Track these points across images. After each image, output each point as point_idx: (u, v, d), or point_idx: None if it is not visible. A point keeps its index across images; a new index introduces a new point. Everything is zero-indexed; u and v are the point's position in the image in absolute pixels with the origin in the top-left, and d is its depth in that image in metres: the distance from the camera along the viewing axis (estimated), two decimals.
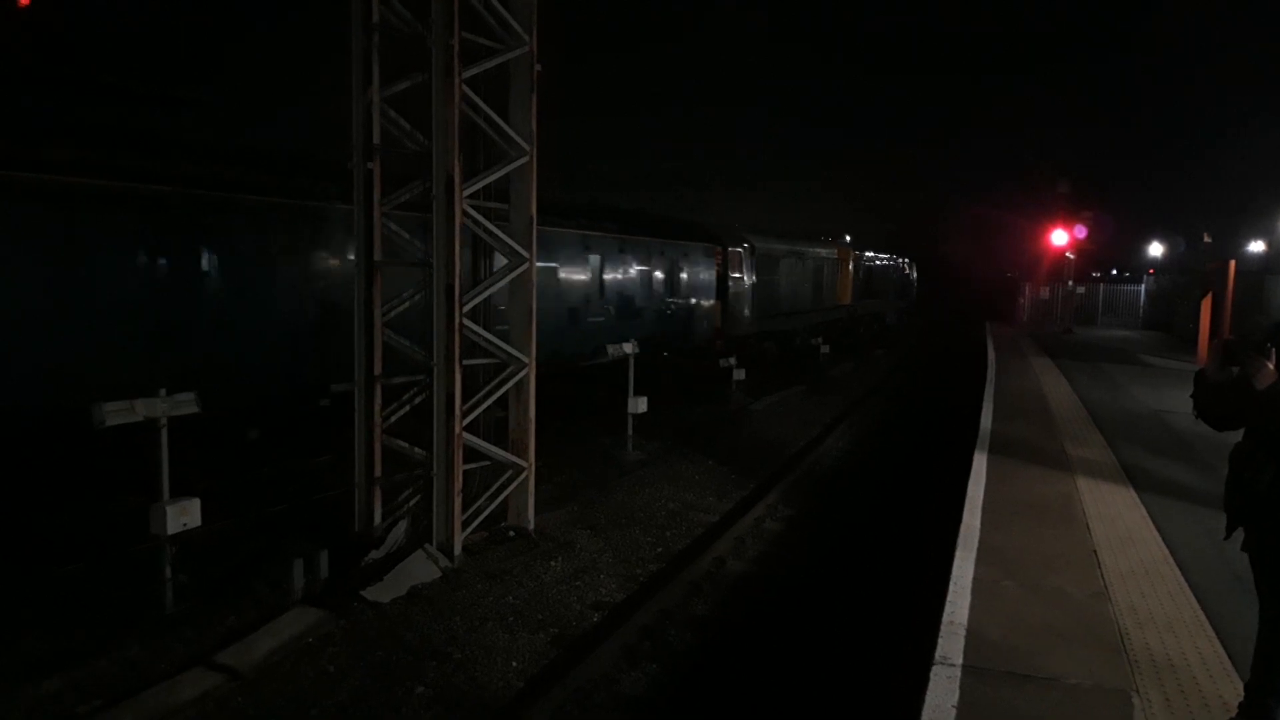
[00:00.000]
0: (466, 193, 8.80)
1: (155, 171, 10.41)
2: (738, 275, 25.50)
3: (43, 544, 8.53)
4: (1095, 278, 43.16)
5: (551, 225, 16.33)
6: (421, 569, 8.38)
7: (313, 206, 11.99)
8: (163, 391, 7.44)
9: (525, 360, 9.59)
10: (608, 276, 19.22)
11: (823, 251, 35.11)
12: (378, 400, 9.20)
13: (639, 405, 14.36)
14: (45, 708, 6.05)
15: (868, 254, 42.44)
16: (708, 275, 24.16)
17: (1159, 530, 7.72)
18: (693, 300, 23.33)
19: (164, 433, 7.42)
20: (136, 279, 10.13)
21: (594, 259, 18.61)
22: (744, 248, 26.04)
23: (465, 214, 8.79)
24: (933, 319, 51.45)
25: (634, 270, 20.50)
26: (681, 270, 22.70)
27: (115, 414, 7.08)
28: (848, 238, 43.40)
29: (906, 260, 53.41)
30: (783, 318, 28.83)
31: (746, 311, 26.01)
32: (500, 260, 9.78)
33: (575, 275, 18.04)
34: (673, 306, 22.28)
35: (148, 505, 7.35)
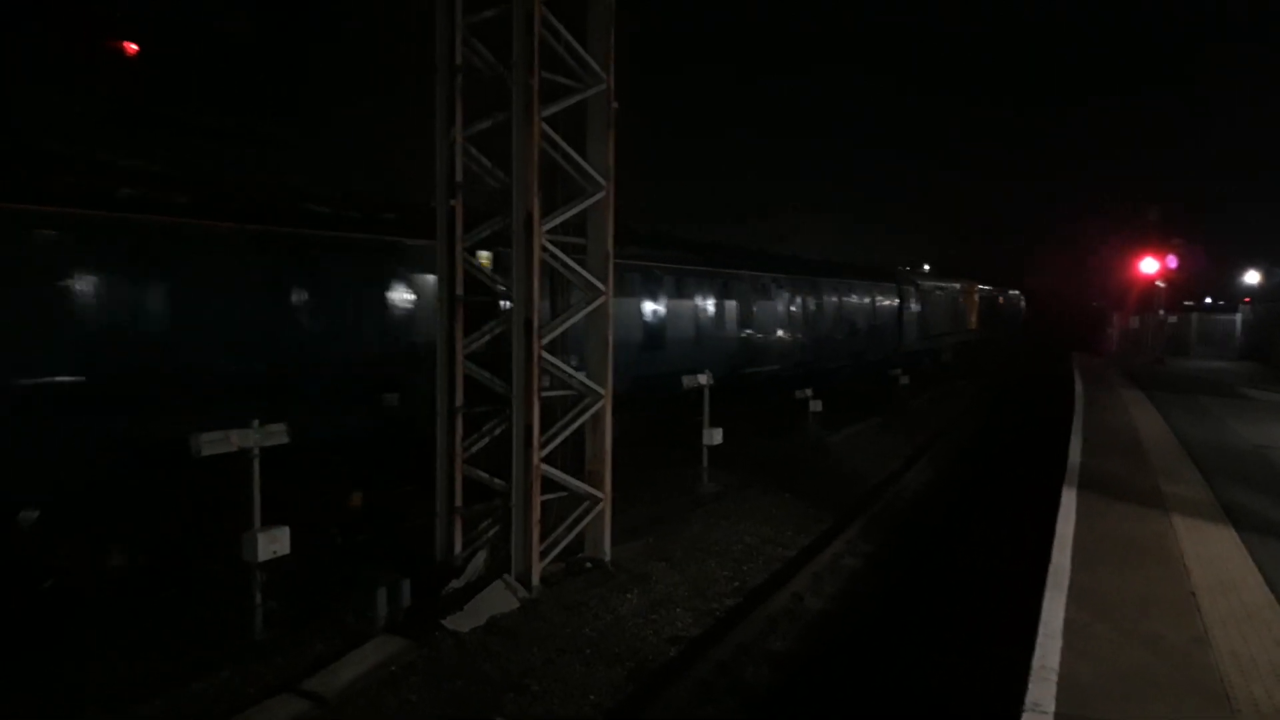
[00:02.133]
0: (545, 228, 8.96)
1: None
2: (908, 306, 34.14)
3: None
4: (1188, 307, 41.59)
5: (806, 275, 25.91)
6: (500, 599, 8.46)
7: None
8: (255, 422, 7.71)
9: (601, 392, 9.66)
10: (843, 307, 28.30)
11: (957, 285, 43.21)
12: (459, 431, 9.37)
13: (714, 437, 14.32)
14: None
15: (986, 287, 49.86)
16: (891, 306, 32.80)
17: (1262, 573, 7.37)
18: (883, 324, 32.02)
19: (255, 463, 7.68)
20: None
21: (833, 298, 27.60)
22: (914, 286, 34.98)
23: (544, 249, 8.94)
24: (1021, 347, 51.53)
25: (858, 304, 29.50)
26: (878, 303, 31.47)
27: (211, 444, 7.37)
28: (924, 268, 44.51)
29: (1017, 292, 60.65)
30: (932, 338, 37.56)
31: (915, 333, 35.01)
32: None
33: (824, 309, 26.91)
34: (875, 329, 31.04)
35: None
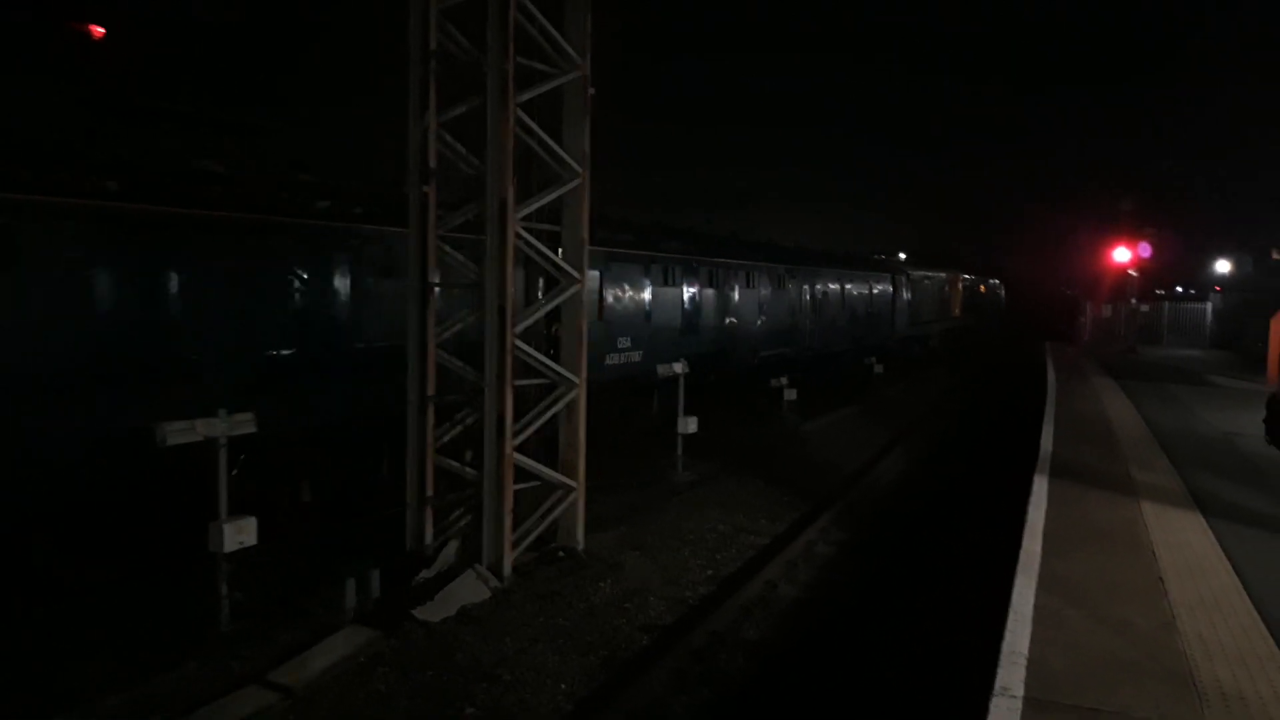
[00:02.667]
0: (519, 215, 8.87)
1: None
2: (900, 295, 36.82)
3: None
4: (1160, 295, 41.98)
5: (815, 266, 28.51)
6: (471, 589, 8.40)
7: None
8: (222, 412, 7.60)
9: (575, 381, 9.60)
10: (846, 296, 30.82)
11: (942, 275, 45.72)
12: (430, 420, 9.28)
13: (689, 425, 14.31)
14: None
15: (969, 277, 52.36)
16: (887, 294, 35.37)
17: (1229, 559, 7.43)
18: (880, 312, 34.83)
19: (223, 452, 7.57)
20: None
21: (837, 286, 30.09)
22: (905, 276, 37.76)
23: (517, 236, 8.85)
24: (1001, 335, 53.58)
25: (857, 293, 32.09)
26: (875, 292, 34.16)
27: (176, 433, 7.26)
28: (899, 256, 45.15)
29: (997, 281, 63.14)
30: (921, 325, 40.49)
31: (906, 320, 37.80)
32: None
33: (831, 296, 29.46)
34: (872, 315, 33.82)
35: None
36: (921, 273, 41.48)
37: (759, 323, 23.84)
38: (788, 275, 25.80)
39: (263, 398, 8.86)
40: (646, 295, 18.19)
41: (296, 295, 10.68)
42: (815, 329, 27.79)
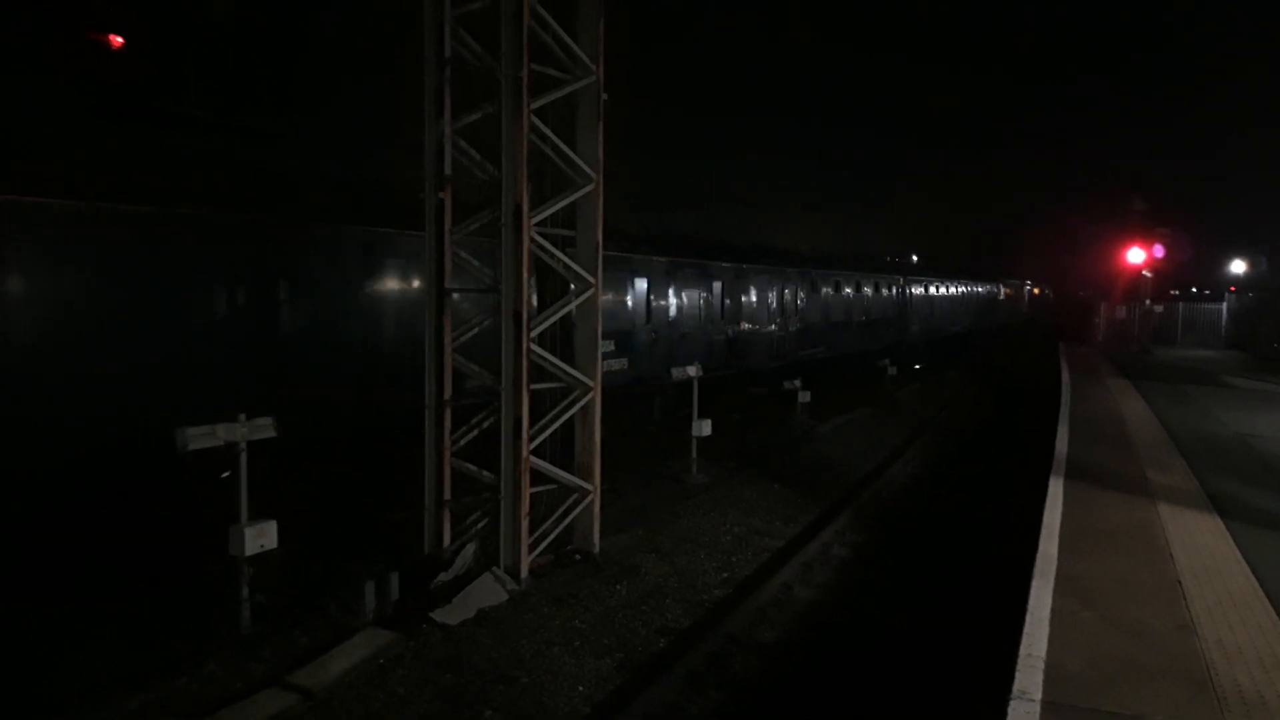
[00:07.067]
0: (534, 220, 8.93)
1: None
2: (997, 295, 58.12)
3: None
4: (1174, 296, 41.73)
5: (969, 278, 53.65)
6: (489, 592, 8.46)
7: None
8: (242, 417, 7.68)
9: (590, 384, 9.65)
10: (975, 295, 52.47)
11: (1017, 280, 69.63)
12: (447, 424, 9.34)
13: (703, 428, 14.34)
14: None
15: (1028, 282, 78.07)
16: (992, 294, 56.38)
17: (1248, 560, 7.41)
18: (989, 306, 55.26)
19: (244, 456, 7.64)
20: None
21: (970, 289, 51.72)
22: (1001, 282, 57.98)
23: (533, 241, 8.91)
24: (1008, 338, 57.41)
25: (980, 292, 53.46)
26: (987, 292, 55.06)
27: (197, 438, 7.34)
28: (913, 259, 54.61)
29: (1047, 287, 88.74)
30: (1006, 316, 61.77)
31: (1004, 313, 59.06)
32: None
33: (973, 296, 52.80)
34: (987, 308, 54.60)
35: None
36: (1007, 279, 63.58)
37: (944, 313, 42.18)
38: (954, 283, 44.68)
39: None
40: (929, 297, 38.07)
41: None
42: (969, 316, 48.13)
